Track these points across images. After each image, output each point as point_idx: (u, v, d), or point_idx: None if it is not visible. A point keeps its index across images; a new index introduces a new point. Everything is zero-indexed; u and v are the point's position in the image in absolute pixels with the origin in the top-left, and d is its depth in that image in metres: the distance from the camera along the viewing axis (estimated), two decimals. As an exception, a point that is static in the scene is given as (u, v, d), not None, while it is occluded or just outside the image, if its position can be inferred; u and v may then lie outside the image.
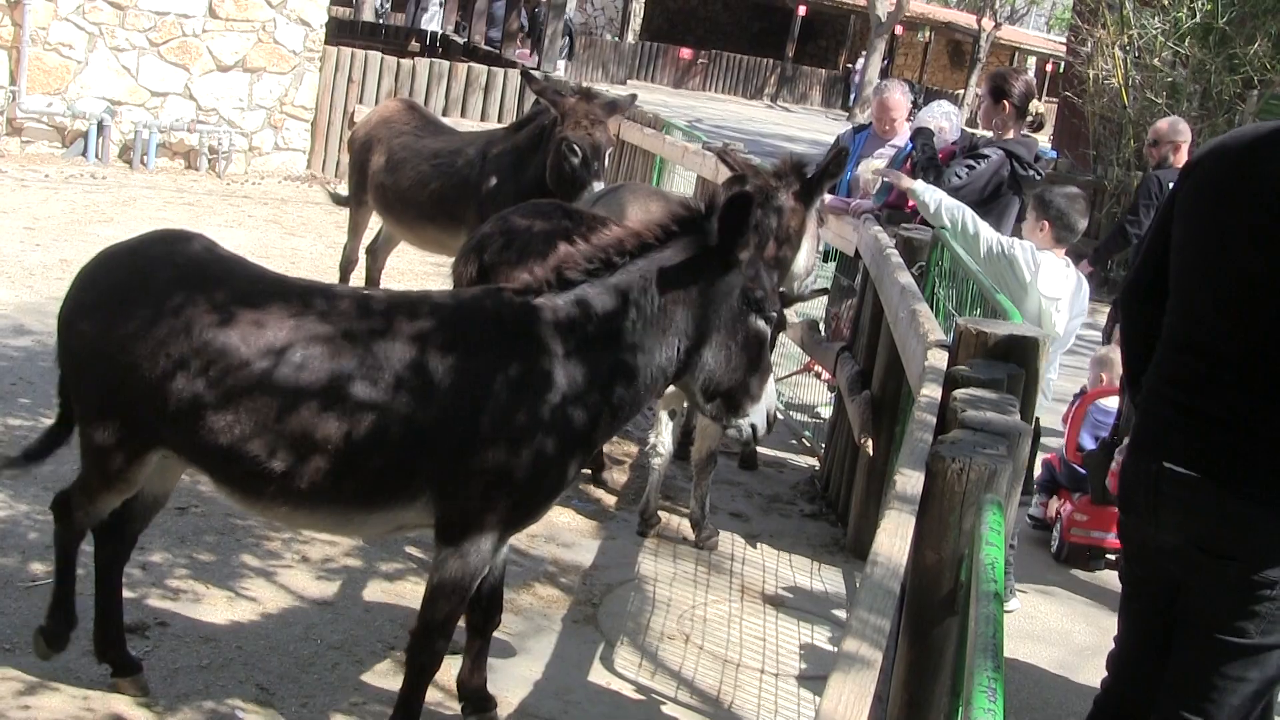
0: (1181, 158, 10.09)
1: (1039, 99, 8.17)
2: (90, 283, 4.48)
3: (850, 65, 48.74)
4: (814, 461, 8.78)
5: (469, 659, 5.02)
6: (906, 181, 7.63)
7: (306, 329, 4.25)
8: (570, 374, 4.32)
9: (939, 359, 4.61)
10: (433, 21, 24.19)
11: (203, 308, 4.25)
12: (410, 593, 5.94)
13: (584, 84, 10.06)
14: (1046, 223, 6.72)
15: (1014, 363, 4.41)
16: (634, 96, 9.16)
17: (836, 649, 5.90)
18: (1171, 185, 9.21)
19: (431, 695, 5.11)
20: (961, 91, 45.11)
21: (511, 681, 5.39)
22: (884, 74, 47.25)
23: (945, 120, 8.52)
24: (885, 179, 8.27)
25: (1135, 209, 10.71)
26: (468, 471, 4.27)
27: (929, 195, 7.26)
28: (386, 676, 5.23)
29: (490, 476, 4.27)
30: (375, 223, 9.83)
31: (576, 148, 7.88)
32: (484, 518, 4.35)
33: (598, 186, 7.83)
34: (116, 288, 4.39)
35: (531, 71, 14.46)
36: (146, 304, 4.29)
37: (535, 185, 8.12)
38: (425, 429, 4.24)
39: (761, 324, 4.51)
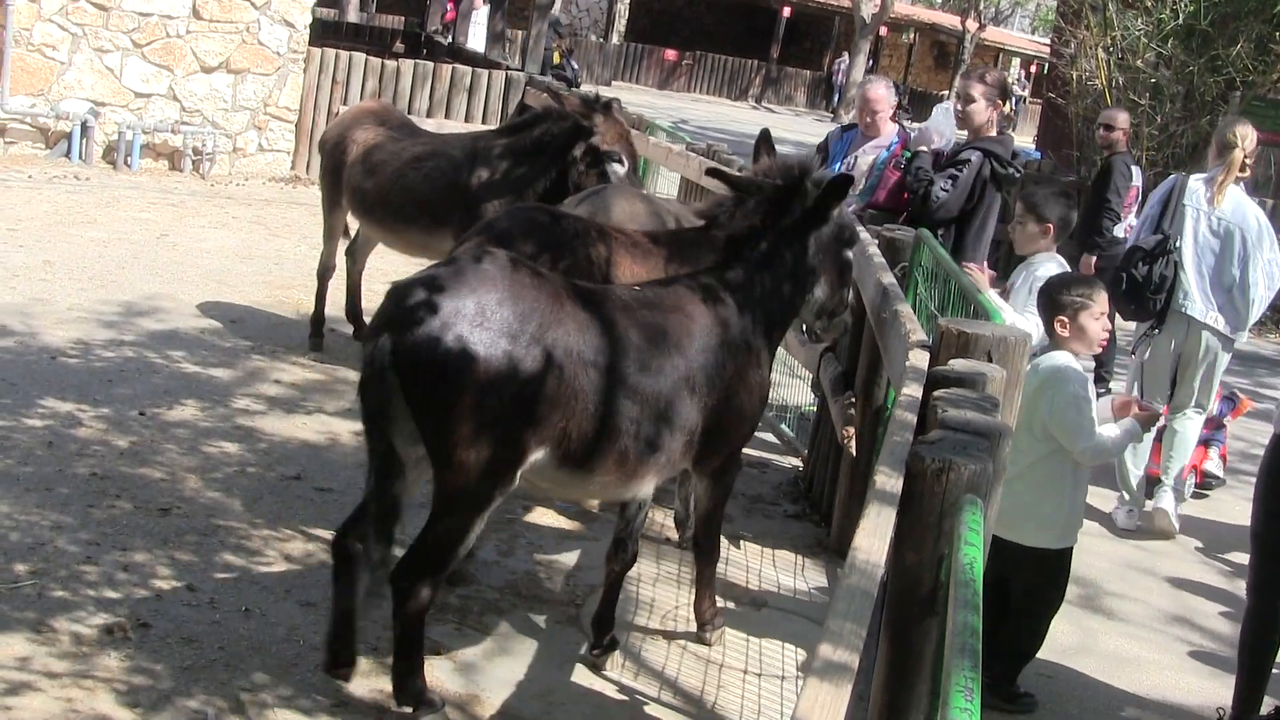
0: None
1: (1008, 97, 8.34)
2: (473, 305, 4.59)
3: (834, 67, 48.78)
4: (797, 462, 8.79)
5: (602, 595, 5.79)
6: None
7: (639, 323, 5.03)
8: (759, 322, 5.43)
9: (921, 359, 4.62)
10: (477, 38, 24.08)
11: (578, 309, 4.85)
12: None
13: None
14: (1050, 225, 6.82)
15: (996, 363, 4.42)
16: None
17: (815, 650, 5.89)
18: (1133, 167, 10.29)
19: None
20: (945, 92, 45.12)
21: (494, 683, 5.39)
22: (868, 75, 47.35)
23: (939, 133, 8.53)
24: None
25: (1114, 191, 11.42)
26: (740, 415, 5.42)
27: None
28: (369, 678, 5.22)
29: (748, 414, 5.49)
30: (351, 225, 9.76)
31: (623, 158, 7.91)
32: (740, 447, 5.71)
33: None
34: (501, 302, 4.64)
35: (559, 88, 14.50)
36: (538, 312, 4.70)
37: (535, 189, 8.11)
38: (728, 388, 5.26)
39: (850, 254, 5.76)
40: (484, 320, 4.56)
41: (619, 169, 7.90)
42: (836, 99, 46.34)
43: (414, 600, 4.79)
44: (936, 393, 3.99)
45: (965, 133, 8.42)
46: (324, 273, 9.73)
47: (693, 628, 6.06)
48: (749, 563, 6.99)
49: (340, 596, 5.01)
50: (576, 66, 35.58)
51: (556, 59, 32.66)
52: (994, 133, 8.19)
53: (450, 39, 22.37)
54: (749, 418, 5.52)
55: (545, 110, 8.34)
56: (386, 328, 4.61)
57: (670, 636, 6.04)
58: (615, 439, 4.90)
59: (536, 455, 4.78)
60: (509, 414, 4.60)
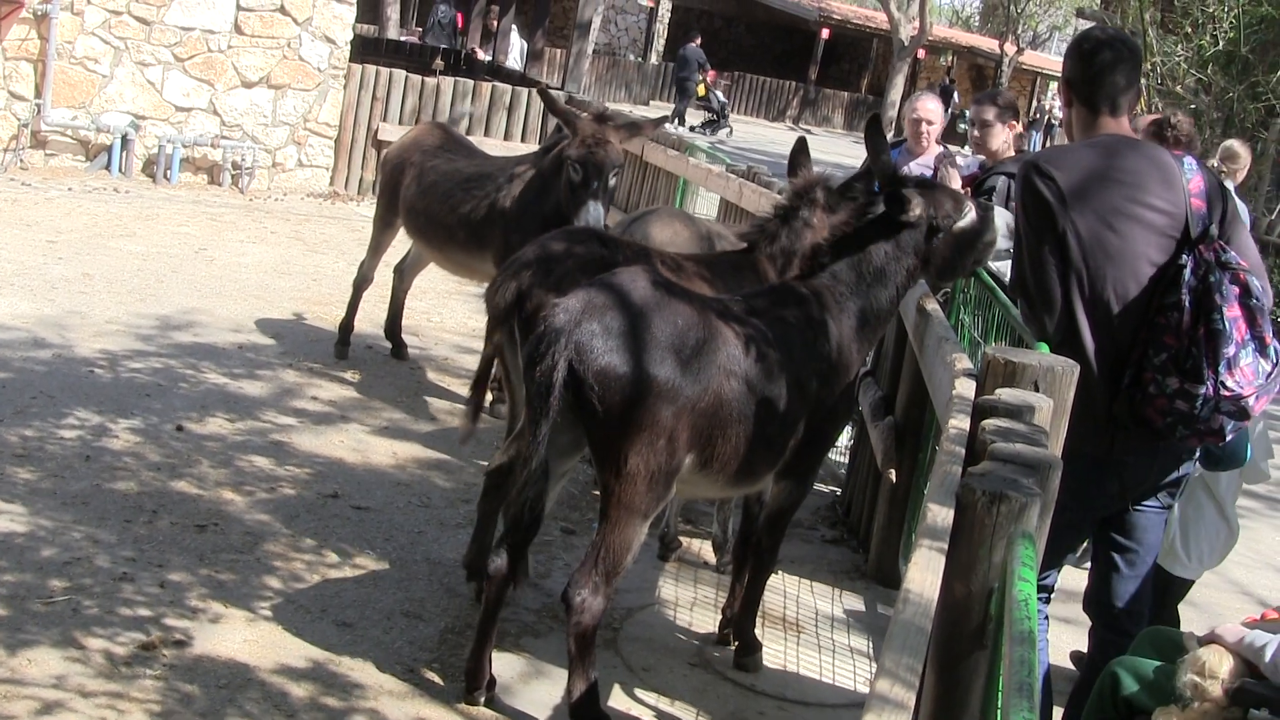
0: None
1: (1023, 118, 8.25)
2: (653, 326, 4.85)
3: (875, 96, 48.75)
4: (835, 487, 8.73)
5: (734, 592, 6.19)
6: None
7: (762, 332, 5.18)
8: (852, 326, 5.49)
9: (967, 388, 4.57)
10: (512, 57, 24.11)
11: (720, 323, 5.05)
12: (429, 613, 5.91)
13: (605, 104, 9.96)
14: None
15: (1043, 393, 4.37)
16: (661, 120, 9.02)
17: (868, 677, 5.83)
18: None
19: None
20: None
21: (531, 705, 5.36)
22: (905, 98, 47.26)
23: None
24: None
25: None
26: (837, 417, 5.64)
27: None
28: (405, 699, 5.20)
29: (843, 416, 5.79)
30: (403, 243, 9.80)
31: (577, 165, 7.74)
32: (826, 451, 5.88)
33: (594, 206, 7.70)
34: (665, 318, 4.89)
35: (551, 90, 14.43)
36: (694, 329, 4.93)
37: (558, 210, 8.02)
38: (821, 391, 5.38)
39: (965, 221, 5.58)
40: (653, 337, 4.81)
41: (574, 177, 7.71)
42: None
43: (588, 613, 4.92)
44: (985, 423, 3.94)
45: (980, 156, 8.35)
46: (360, 283, 9.86)
47: (729, 653, 6.02)
48: (786, 588, 6.93)
49: (488, 617, 5.28)
50: (724, 99, 36.04)
51: (702, 91, 33.64)
52: (1011, 153, 8.11)
53: (463, 49, 22.49)
54: (843, 420, 5.87)
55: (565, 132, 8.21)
56: (563, 345, 4.77)
57: (708, 661, 5.99)
58: (750, 444, 5.10)
59: (686, 461, 5.00)
60: (673, 425, 4.84)
